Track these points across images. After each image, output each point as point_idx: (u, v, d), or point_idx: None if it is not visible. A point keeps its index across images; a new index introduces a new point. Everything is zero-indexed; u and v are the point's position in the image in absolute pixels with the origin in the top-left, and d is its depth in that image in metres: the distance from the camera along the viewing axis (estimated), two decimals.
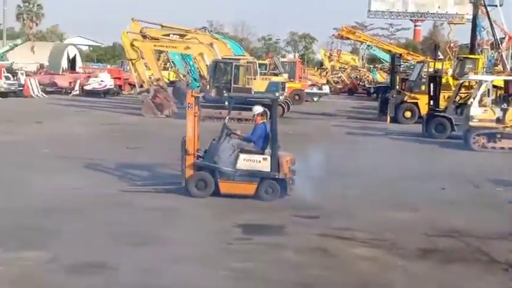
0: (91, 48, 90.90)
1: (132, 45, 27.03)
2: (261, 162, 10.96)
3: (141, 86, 28.32)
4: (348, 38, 58.83)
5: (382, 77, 55.90)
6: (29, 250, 7.69)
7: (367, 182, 13.36)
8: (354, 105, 38.99)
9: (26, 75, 38.50)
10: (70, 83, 41.05)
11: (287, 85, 31.09)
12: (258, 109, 11.72)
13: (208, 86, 26.12)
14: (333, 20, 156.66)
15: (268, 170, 10.92)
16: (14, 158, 14.11)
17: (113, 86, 40.27)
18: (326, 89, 43.84)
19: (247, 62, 26.08)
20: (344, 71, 58.29)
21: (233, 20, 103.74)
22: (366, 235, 9.06)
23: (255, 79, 25.57)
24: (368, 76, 57.98)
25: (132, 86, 39.73)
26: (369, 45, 54.72)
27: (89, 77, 41.89)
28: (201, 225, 9.31)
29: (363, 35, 59.38)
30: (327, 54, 60.02)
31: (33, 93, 36.62)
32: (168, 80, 40.21)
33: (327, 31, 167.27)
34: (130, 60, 27.83)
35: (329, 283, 7.17)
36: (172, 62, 41.04)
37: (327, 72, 55.64)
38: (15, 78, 36.25)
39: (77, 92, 39.73)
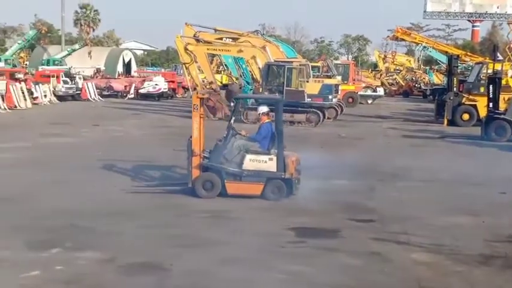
0: (145, 53, 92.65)
1: (185, 49, 27.29)
2: (267, 163, 10.93)
3: (195, 89, 28.54)
4: (403, 40, 57.91)
5: (438, 79, 54.78)
6: (85, 251, 7.81)
7: (424, 185, 13.06)
8: (410, 108, 38.26)
9: (84, 79, 39.51)
10: (125, 86, 41.86)
11: (340, 87, 30.78)
12: (262, 109, 11.70)
13: (261, 89, 26.10)
14: (388, 22, 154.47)
15: (275, 170, 10.90)
16: (70, 160, 14.43)
17: (166, 90, 40.82)
18: (380, 91, 43.20)
19: (300, 65, 25.92)
20: (399, 72, 57.33)
21: (285, 22, 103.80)
22: (423, 240, 8.79)
23: (307, 82, 25.38)
24: (424, 78, 56.85)
25: (186, 89, 40.26)
26: (424, 47, 53.62)
27: (143, 80, 42.60)
28: (253, 227, 9.24)
29: (418, 36, 58.31)
30: (381, 56, 59.15)
31: (90, 96, 37.50)
32: (221, 83, 40.46)
33: (381, 33, 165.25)
34: (184, 64, 28.11)
35: None
36: (225, 65, 41.29)
37: (381, 74, 54.84)
38: (73, 82, 37.23)
39: (132, 96, 40.48)
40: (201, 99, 11.23)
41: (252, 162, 10.94)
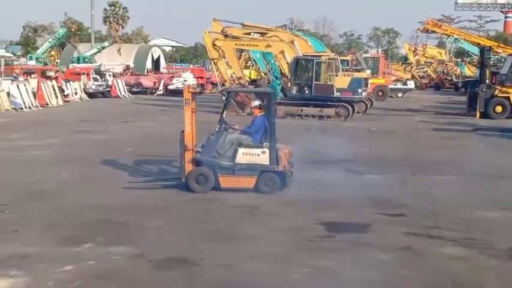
0: (174, 49, 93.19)
1: (213, 44, 27.36)
2: (260, 156, 10.92)
3: (223, 85, 28.61)
4: (433, 32, 57.08)
5: (470, 71, 53.90)
6: (116, 246, 7.88)
7: (456, 179, 12.88)
8: (441, 101, 37.78)
9: (113, 77, 39.90)
10: (154, 83, 42.17)
11: (370, 81, 30.48)
12: (255, 102, 11.64)
13: (289, 84, 26.05)
14: (418, 14, 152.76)
15: (268, 163, 10.87)
16: (100, 156, 14.58)
17: (195, 85, 40.96)
18: (411, 84, 42.71)
19: (329, 59, 25.76)
20: (430, 65, 56.60)
21: (314, 16, 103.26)
22: (456, 234, 8.66)
23: (336, 76, 25.21)
24: (455, 70, 56.05)
25: (214, 85, 40.35)
26: (456, 38, 52.73)
27: (172, 77, 42.86)
28: (282, 222, 9.22)
29: (449, 27, 57.33)
30: (412, 49, 58.41)
31: (120, 93, 37.87)
32: (249, 78, 40.46)
33: (412, 25, 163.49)
34: (212, 59, 28.18)
35: (417, 283, 6.89)
36: (254, 60, 41.22)
37: (411, 67, 54.17)
38: (103, 79, 37.66)
39: (161, 92, 40.76)
40: (193, 93, 11.23)
41: (245, 155, 10.94)
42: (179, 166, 11.33)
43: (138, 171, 12.89)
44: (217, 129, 11.15)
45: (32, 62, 52.43)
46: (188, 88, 11.41)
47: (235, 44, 28.32)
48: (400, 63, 63.78)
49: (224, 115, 11.22)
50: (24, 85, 28.45)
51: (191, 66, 62.57)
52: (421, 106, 32.95)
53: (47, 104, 29.33)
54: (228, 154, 11.03)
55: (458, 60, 61.40)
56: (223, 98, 11.50)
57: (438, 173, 13.36)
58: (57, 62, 59.92)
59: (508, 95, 25.91)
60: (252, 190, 10.83)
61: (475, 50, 49.32)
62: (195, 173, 10.99)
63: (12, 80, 29.28)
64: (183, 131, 11.08)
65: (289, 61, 26.37)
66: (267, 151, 10.90)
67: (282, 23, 30.75)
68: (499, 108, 26.09)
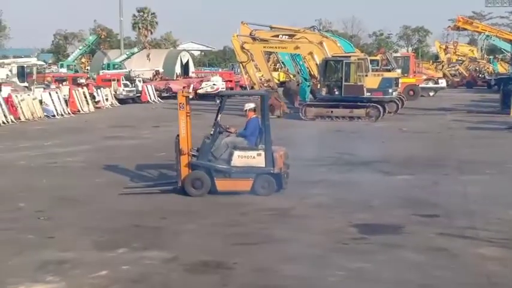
0: (203, 53, 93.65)
1: (242, 48, 27.45)
2: (256, 158, 10.88)
3: (252, 88, 28.68)
4: (464, 29, 56.07)
5: (503, 68, 53.11)
6: (150, 250, 7.94)
7: (490, 179, 12.67)
8: (474, 99, 37.22)
9: (143, 82, 40.23)
10: (184, 87, 42.38)
11: (401, 80, 30.19)
12: (248, 105, 11.57)
13: (319, 85, 25.96)
14: (448, 11, 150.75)
15: (263, 165, 10.81)
16: (133, 161, 14.70)
17: (225, 89, 41.12)
18: (442, 82, 42.17)
19: (358, 59, 25.59)
20: (462, 63, 55.84)
21: (342, 17, 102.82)
22: (491, 234, 8.51)
23: (366, 76, 25.03)
24: (488, 67, 55.22)
25: (244, 88, 40.43)
26: (488, 35, 51.83)
27: (201, 81, 43.07)
28: (314, 225, 9.18)
29: (481, 24, 56.36)
30: (443, 47, 57.76)
31: (150, 98, 38.19)
32: (278, 80, 40.47)
33: (442, 23, 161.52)
34: (241, 62, 28.27)
35: (452, 284, 6.79)
36: (282, 62, 41.26)
37: (443, 66, 53.54)
38: (133, 85, 37.97)
39: (191, 96, 40.94)
40: (187, 97, 11.23)
41: (241, 158, 10.92)
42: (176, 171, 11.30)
43: (171, 176, 12.95)
44: (212, 133, 11.14)
45: (63, 70, 53.26)
46: (182, 92, 11.48)
47: (264, 47, 28.37)
48: (431, 61, 63.03)
49: (219, 118, 11.19)
50: (56, 93, 28.88)
51: (220, 70, 62.82)
52: (453, 105, 32.48)
53: (79, 111, 29.73)
54: (223, 157, 11.04)
55: (490, 57, 60.54)
56: (217, 101, 11.45)
57: (472, 173, 13.16)
58: (87, 69, 60.77)
59: None
60: (249, 193, 10.80)
61: (508, 47, 48.50)
62: (191, 177, 10.99)
63: (44, 88, 29.76)
64: (178, 135, 11.10)
65: (318, 62, 26.29)
66: (263, 153, 10.88)
67: (310, 25, 30.69)
68: None
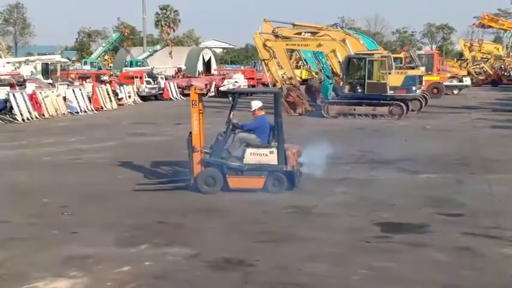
0: (225, 51, 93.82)
1: (264, 45, 27.40)
2: (268, 156, 10.82)
3: (274, 85, 28.61)
4: (490, 27, 55.41)
5: None
6: (172, 246, 7.96)
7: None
8: (499, 97, 36.73)
9: (165, 79, 40.40)
10: (206, 85, 42.50)
11: (424, 78, 29.91)
12: (256, 104, 11.48)
13: (341, 83, 25.82)
14: (473, 9, 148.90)
15: (276, 163, 10.75)
16: (155, 158, 14.77)
17: (246, 86, 41.10)
18: (467, 80, 41.70)
19: (382, 57, 25.37)
20: (487, 61, 55.11)
21: (365, 14, 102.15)
22: None
23: (390, 73, 24.82)
24: None
25: (266, 85, 40.39)
26: None
27: (223, 78, 43.12)
28: (337, 223, 9.12)
29: (506, 22, 55.63)
30: (467, 45, 56.99)
31: (172, 96, 38.34)
32: (301, 78, 40.33)
33: (467, 20, 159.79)
34: (263, 60, 28.21)
35: (477, 284, 6.69)
36: (305, 60, 41.11)
37: (467, 63, 52.90)
38: (155, 82, 38.14)
39: (213, 93, 41.04)
40: (199, 95, 11.19)
41: (253, 156, 10.87)
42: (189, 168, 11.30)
43: (185, 172, 12.96)
44: (224, 130, 11.13)
45: (87, 67, 53.69)
46: (195, 89, 11.44)
47: (286, 44, 28.28)
48: (456, 59, 62.35)
49: (231, 116, 11.17)
50: (80, 90, 29.14)
51: (242, 67, 62.84)
52: (478, 103, 32.10)
53: (102, 108, 29.96)
54: (236, 154, 11.01)
55: None
56: (230, 99, 11.42)
57: (498, 172, 12.98)
58: (110, 66, 61.25)
59: None
60: (261, 190, 10.76)
61: None
62: (203, 174, 10.99)
63: (68, 85, 30.04)
64: (190, 133, 11.10)
65: (340, 60, 26.14)
66: (275, 151, 10.83)
67: (333, 22, 30.54)
68: None
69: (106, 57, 67.26)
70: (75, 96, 28.36)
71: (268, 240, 8.26)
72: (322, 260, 7.41)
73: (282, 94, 26.06)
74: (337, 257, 7.52)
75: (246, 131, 11.32)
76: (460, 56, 67.18)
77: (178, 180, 11.72)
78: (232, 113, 11.23)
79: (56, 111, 26.53)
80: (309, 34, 28.55)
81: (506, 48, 58.00)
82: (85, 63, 58.58)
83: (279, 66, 29.60)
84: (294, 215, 9.65)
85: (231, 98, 11.46)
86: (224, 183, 10.93)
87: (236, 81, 40.89)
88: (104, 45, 65.52)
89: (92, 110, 29.04)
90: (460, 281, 6.75)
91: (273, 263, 7.30)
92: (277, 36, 27.53)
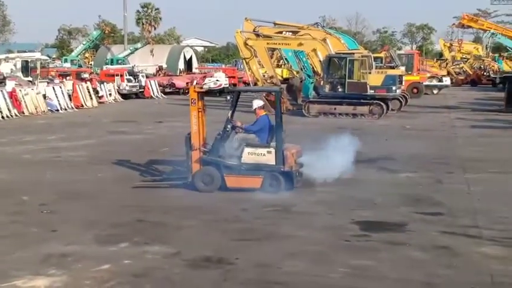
0: (206, 49, 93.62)
1: (245, 44, 27.40)
2: (266, 155, 10.76)
3: (255, 84, 28.64)
4: (469, 27, 56.05)
5: (508, 66, 53.01)
6: (152, 245, 7.95)
7: (494, 177, 12.64)
8: (478, 97, 37.13)
9: (146, 77, 40.23)
10: (187, 83, 42.37)
11: (404, 78, 30.15)
12: (257, 103, 11.44)
13: (322, 82, 25.92)
14: (453, 9, 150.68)
15: (273, 163, 10.69)
16: (136, 156, 14.71)
17: (228, 85, 41.04)
18: (447, 80, 42.12)
19: (362, 56, 25.54)
20: (466, 61, 55.73)
21: (346, 13, 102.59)
22: (494, 233, 8.50)
23: (370, 73, 24.99)
24: (493, 66, 55.07)
25: (247, 84, 40.41)
26: (493, 33, 51.82)
27: (204, 77, 43.03)
28: (317, 221, 9.17)
29: (486, 22, 56.31)
30: (447, 45, 57.59)
31: (153, 94, 38.20)
32: (282, 77, 40.43)
33: (446, 20, 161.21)
34: (244, 59, 28.22)
35: (454, 282, 6.77)
36: (286, 59, 41.23)
37: (447, 63, 53.45)
38: (136, 80, 37.97)
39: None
40: (199, 93, 11.16)
41: (251, 155, 10.82)
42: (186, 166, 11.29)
43: (174, 171, 12.96)
44: (223, 129, 11.10)
45: (67, 65, 53.31)
46: (194, 88, 11.40)
47: (267, 43, 28.30)
48: (435, 59, 62.96)
49: (230, 115, 11.13)
50: (60, 87, 28.91)
51: (223, 66, 62.78)
52: (458, 103, 32.44)
53: (82, 106, 29.76)
54: (234, 154, 10.95)
55: (495, 55, 60.38)
56: (228, 98, 11.41)
57: (476, 171, 13.13)
58: (91, 64, 60.83)
59: None
60: (258, 190, 10.70)
61: None
62: (201, 172, 10.97)
63: (48, 83, 29.80)
64: (189, 132, 11.07)
65: (321, 59, 26.24)
66: (273, 151, 10.76)
67: (314, 21, 30.62)
68: None
69: (87, 55, 66.78)
70: (55, 94, 28.13)
71: (248, 238, 8.28)
72: (301, 258, 7.45)
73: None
74: (316, 255, 7.56)
75: (246, 131, 11.26)
76: (439, 56, 67.85)
77: (176, 178, 11.69)
78: (230, 112, 11.16)
79: (35, 108, 26.29)
80: (290, 33, 28.63)
81: (486, 48, 58.67)
82: (65, 60, 58.15)
83: (260, 65, 29.63)
84: (275, 213, 9.68)
85: (229, 97, 11.44)
86: (222, 182, 10.88)
87: (217, 80, 40.79)
88: (84, 42, 65.07)
89: (72, 107, 28.82)
90: (438, 279, 6.83)
91: (252, 261, 7.33)
92: (258, 35, 27.54)
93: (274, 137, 10.99)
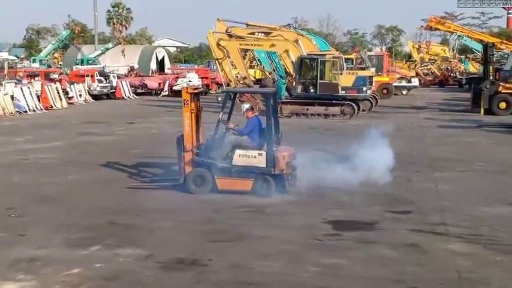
0: (178, 50, 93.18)
1: (218, 44, 27.37)
2: (257, 158, 10.63)
3: (228, 85, 28.64)
4: (437, 29, 56.96)
5: (474, 68, 53.94)
6: (124, 248, 7.90)
7: (461, 176, 12.87)
8: (446, 98, 37.76)
9: (118, 78, 39.88)
10: (159, 84, 42.18)
11: (374, 79, 30.50)
12: (244, 106, 11.35)
13: (294, 83, 26.06)
14: (421, 11, 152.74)
15: (264, 165, 10.56)
16: (107, 158, 14.60)
17: (200, 86, 40.97)
18: (415, 81, 42.73)
19: (333, 57, 25.76)
20: (434, 62, 56.56)
21: (318, 15, 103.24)
22: (462, 230, 8.68)
23: (341, 74, 25.21)
24: (459, 67, 56.03)
25: (220, 85, 40.38)
26: (459, 35, 52.70)
27: (177, 77, 42.86)
28: (289, 221, 9.23)
29: (453, 24, 57.29)
30: (416, 46, 58.37)
31: (125, 95, 37.89)
32: (255, 78, 40.43)
33: (415, 23, 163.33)
34: (217, 59, 28.18)
35: (423, 279, 6.89)
36: (258, 60, 41.22)
37: (416, 65, 54.17)
38: (107, 81, 37.61)
39: (166, 93, 40.76)
40: (191, 94, 11.13)
41: (241, 157, 10.69)
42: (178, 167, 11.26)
43: (146, 173, 12.91)
44: (215, 130, 11.06)
45: (36, 65, 52.50)
46: (187, 89, 11.36)
47: (240, 44, 28.32)
48: (404, 60, 63.70)
49: (221, 116, 11.07)
50: (28, 88, 28.50)
51: (196, 66, 62.57)
52: (426, 103, 32.92)
53: (51, 107, 29.38)
54: (225, 156, 10.84)
55: (462, 57, 61.38)
56: (219, 99, 11.40)
57: (444, 170, 13.35)
58: (60, 64, 60.06)
59: (511, 91, 25.86)
60: (249, 193, 10.63)
61: (479, 47, 49.26)
62: (193, 174, 10.90)
63: (15, 83, 29.30)
64: (182, 135, 11.03)
65: (293, 60, 26.37)
66: (264, 153, 10.62)
67: (286, 23, 30.77)
68: (503, 105, 26.10)
69: (56, 55, 65.88)
70: (24, 95, 27.70)
71: (222, 239, 8.30)
72: (274, 258, 7.49)
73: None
74: (289, 255, 7.62)
75: (239, 134, 11.14)
76: (408, 57, 68.69)
77: (167, 179, 11.61)
78: (221, 113, 11.07)
79: (3, 110, 25.88)
80: (262, 34, 28.68)
81: (453, 50, 59.59)
82: (34, 61, 57.25)
83: (232, 65, 29.63)
84: (248, 214, 9.72)
85: (220, 98, 11.39)
86: (213, 184, 10.78)
87: (190, 81, 40.69)
88: (53, 42, 64.17)
89: (41, 109, 28.45)
90: (407, 276, 6.95)
91: (226, 262, 7.35)
92: (230, 36, 27.54)
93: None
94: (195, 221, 9.27)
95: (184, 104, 10.99)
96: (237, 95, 14.06)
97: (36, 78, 33.78)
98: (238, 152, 10.74)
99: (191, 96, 11.08)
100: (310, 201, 10.45)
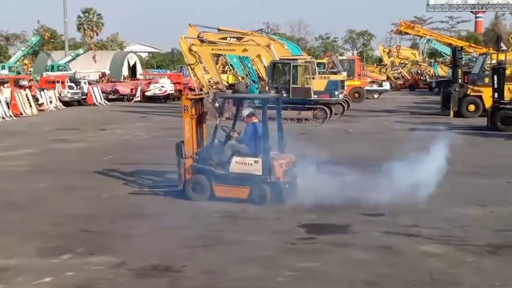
0: (150, 55, 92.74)
1: (190, 50, 27.34)
2: (253, 165, 10.43)
3: (201, 90, 28.60)
4: (406, 33, 57.80)
5: (443, 71, 54.86)
6: (97, 255, 7.82)
7: (433, 178, 13.00)
8: (416, 101, 38.25)
9: (89, 84, 39.53)
10: (131, 89, 41.91)
11: (346, 83, 30.78)
12: (246, 111, 11.20)
13: (267, 87, 26.12)
14: (391, 16, 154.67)
15: (260, 173, 10.39)
16: (79, 165, 14.46)
17: (173, 91, 40.83)
18: (386, 85, 43.28)
19: (305, 62, 25.90)
20: (404, 66, 57.36)
21: (290, 20, 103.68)
22: (434, 232, 8.80)
23: (313, 78, 25.37)
24: (429, 71, 56.93)
25: (192, 90, 40.27)
26: (428, 39, 53.53)
27: (149, 83, 42.66)
28: (264, 226, 9.24)
29: (422, 29, 58.13)
30: (386, 50, 59.11)
31: (96, 101, 37.58)
32: (227, 83, 40.47)
33: (385, 27, 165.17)
34: (189, 65, 28.15)
35: (396, 281, 6.97)
36: (231, 65, 41.31)
37: (386, 69, 54.89)
38: (78, 87, 37.26)
39: (139, 99, 40.55)
40: (191, 100, 11.09)
41: (238, 164, 10.52)
42: (178, 173, 11.17)
43: (119, 179, 12.80)
44: (212, 137, 10.95)
45: (5, 71, 51.79)
46: (187, 96, 11.26)
47: (212, 49, 28.33)
48: (375, 65, 64.47)
49: (218, 122, 10.96)
50: None
51: (168, 72, 62.34)
52: (397, 107, 33.31)
53: (21, 114, 29.00)
54: (223, 162, 10.68)
55: (431, 60, 62.37)
56: (216, 105, 11.34)
57: (415, 172, 13.43)
58: (30, 71, 59.28)
59: (480, 94, 26.33)
60: (246, 201, 10.45)
61: (447, 50, 50.13)
62: (192, 181, 10.80)
63: None
64: (182, 141, 10.97)
65: (266, 65, 26.45)
66: (260, 161, 10.42)
67: (258, 28, 30.88)
68: (471, 107, 26.55)
69: (25, 61, 65.03)
70: None
71: (196, 245, 8.27)
72: (249, 264, 7.50)
73: (210, 99, 26.08)
74: (264, 260, 7.62)
75: (240, 142, 10.91)
76: (379, 61, 69.48)
77: (167, 186, 11.52)
78: (219, 120, 10.97)
79: None
80: (234, 39, 28.72)
81: (422, 53, 60.50)
82: (3, 67, 56.43)
83: (205, 70, 29.61)
84: (223, 219, 9.70)
85: (217, 104, 11.30)
86: (211, 191, 10.65)
87: (162, 86, 40.55)
88: (23, 49, 63.36)
89: (11, 116, 28.06)
90: (381, 278, 7.01)
91: (200, 268, 7.32)
92: (202, 41, 27.53)
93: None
94: (170, 226, 9.22)
95: (184, 110, 10.92)
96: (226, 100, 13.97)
97: (6, 85, 33.28)
98: (235, 159, 10.58)
99: (192, 102, 11.03)
100: (286, 206, 10.46)
